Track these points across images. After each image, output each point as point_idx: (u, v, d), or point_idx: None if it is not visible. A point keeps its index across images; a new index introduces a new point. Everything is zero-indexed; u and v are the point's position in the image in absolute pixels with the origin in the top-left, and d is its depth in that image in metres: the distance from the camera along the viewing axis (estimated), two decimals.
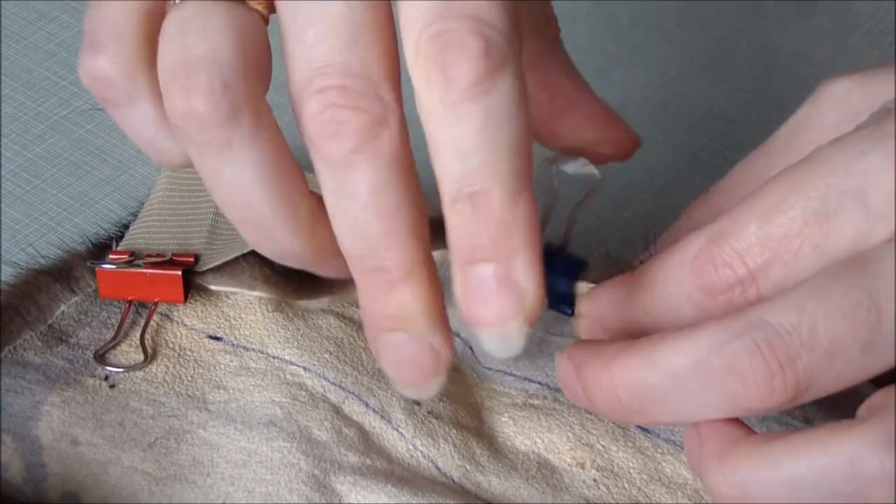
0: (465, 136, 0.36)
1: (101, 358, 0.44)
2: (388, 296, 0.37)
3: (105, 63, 0.39)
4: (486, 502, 0.41)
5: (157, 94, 0.39)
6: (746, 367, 0.36)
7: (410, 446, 0.42)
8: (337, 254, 0.39)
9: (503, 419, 0.43)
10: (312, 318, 0.45)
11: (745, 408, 0.37)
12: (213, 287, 0.45)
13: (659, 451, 0.42)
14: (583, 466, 0.42)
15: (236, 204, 0.39)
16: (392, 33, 0.37)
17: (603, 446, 0.42)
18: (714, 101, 0.59)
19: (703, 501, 0.41)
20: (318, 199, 0.38)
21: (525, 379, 0.44)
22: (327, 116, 0.37)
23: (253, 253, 0.44)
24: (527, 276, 0.37)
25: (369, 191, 0.37)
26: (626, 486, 0.42)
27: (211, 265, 0.45)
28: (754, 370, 0.36)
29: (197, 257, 0.45)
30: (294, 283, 0.45)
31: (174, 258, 0.45)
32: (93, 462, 0.41)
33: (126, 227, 0.48)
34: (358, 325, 0.45)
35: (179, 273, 0.45)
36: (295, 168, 0.38)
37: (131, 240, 0.46)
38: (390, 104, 0.37)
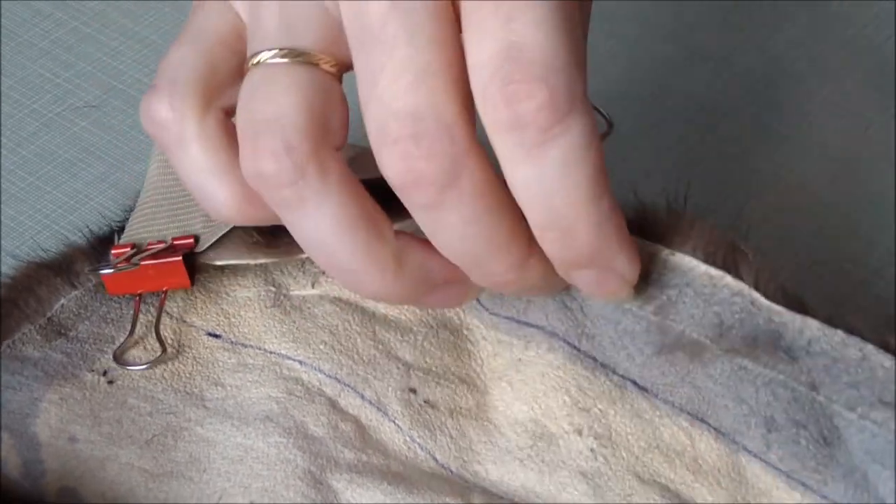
0: (544, 180, 0.38)
1: (119, 358, 0.44)
2: (513, 287, 0.41)
3: (157, 105, 0.41)
4: (484, 490, 0.41)
5: (209, 141, 0.41)
6: None
7: (407, 438, 0.42)
8: (432, 290, 0.41)
9: (502, 385, 0.43)
10: (309, 308, 0.45)
11: None
12: (217, 263, 0.45)
13: (657, 413, 0.42)
14: (580, 433, 0.42)
15: (320, 254, 0.40)
16: (463, 68, 0.38)
17: (600, 410, 0.42)
18: (709, 95, 0.59)
19: (702, 469, 0.42)
20: (406, 239, 0.40)
21: (528, 325, 0.44)
22: (404, 167, 0.38)
23: None
24: (627, 268, 0.41)
25: (463, 224, 0.39)
26: (623, 455, 0.42)
27: (208, 244, 0.45)
28: None
29: (196, 238, 0.46)
30: (286, 241, 0.46)
31: (174, 243, 0.46)
32: (90, 459, 0.42)
33: (126, 218, 0.48)
34: (353, 308, 0.45)
35: (180, 258, 0.45)
36: (376, 215, 0.40)
37: (132, 231, 0.47)
38: (465, 143, 0.38)
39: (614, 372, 0.43)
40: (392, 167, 0.38)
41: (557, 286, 0.42)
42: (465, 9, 0.38)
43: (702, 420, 0.42)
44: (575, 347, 0.43)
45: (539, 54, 0.37)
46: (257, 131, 0.39)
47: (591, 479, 0.42)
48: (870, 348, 0.41)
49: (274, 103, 0.39)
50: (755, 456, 0.41)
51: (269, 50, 0.40)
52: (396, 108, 0.38)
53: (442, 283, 0.41)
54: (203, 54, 0.41)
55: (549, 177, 0.38)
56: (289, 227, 0.40)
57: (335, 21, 0.40)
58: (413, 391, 0.43)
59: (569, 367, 0.43)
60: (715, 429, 0.42)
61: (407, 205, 0.39)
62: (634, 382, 0.43)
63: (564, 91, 0.37)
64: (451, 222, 0.39)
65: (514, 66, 0.37)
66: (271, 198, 0.39)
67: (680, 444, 0.42)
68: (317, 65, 0.40)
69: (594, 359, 0.43)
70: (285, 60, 0.40)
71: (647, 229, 0.42)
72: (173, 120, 0.41)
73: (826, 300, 0.44)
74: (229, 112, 0.41)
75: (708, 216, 0.43)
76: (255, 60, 0.40)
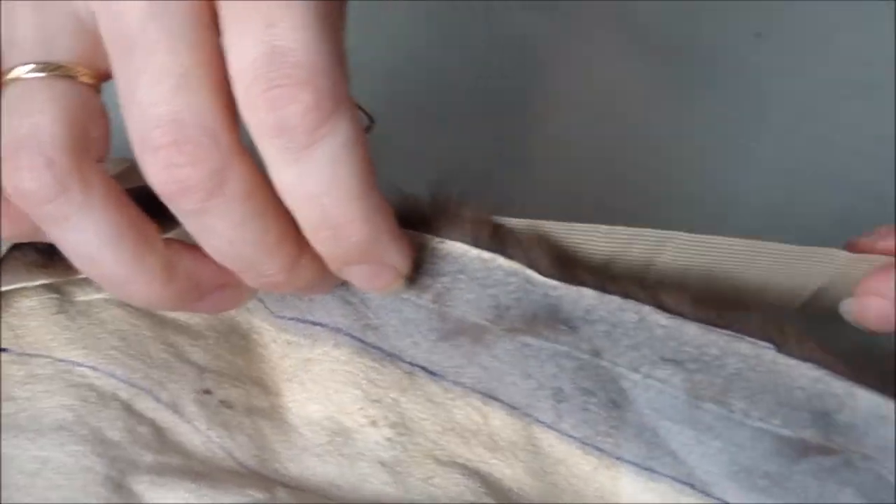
0: (312, 182, 0.38)
1: None
2: (285, 287, 0.41)
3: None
4: (285, 486, 0.42)
5: None
6: None
7: (205, 438, 0.42)
8: (203, 295, 0.41)
9: (293, 386, 0.44)
10: (96, 313, 0.45)
11: None
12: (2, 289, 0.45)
13: (449, 396, 0.43)
14: (375, 424, 0.43)
15: (88, 267, 0.39)
16: (223, 72, 0.38)
17: (392, 399, 0.43)
18: (468, 79, 0.61)
19: (498, 445, 0.43)
20: (176, 246, 0.40)
21: (313, 323, 0.45)
22: (169, 175, 0.37)
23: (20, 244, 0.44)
24: (399, 260, 0.42)
25: (231, 229, 0.39)
26: (420, 440, 0.43)
27: None
28: None
29: None
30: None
31: None
32: None
33: None
34: (142, 312, 0.45)
35: None
36: (142, 224, 0.39)
37: None
38: (229, 147, 0.38)
39: (402, 360, 0.44)
40: (156, 175, 0.38)
41: (331, 283, 0.43)
42: (225, 13, 0.38)
43: (493, 397, 0.43)
44: (361, 340, 0.44)
45: (302, 57, 0.37)
46: (16, 148, 0.38)
47: (391, 468, 0.42)
48: (646, 309, 0.42)
49: (31, 119, 0.38)
50: (548, 427, 0.42)
51: (25, 64, 0.39)
52: (157, 115, 0.37)
53: (214, 288, 0.42)
54: None
55: (317, 178, 0.38)
56: (55, 243, 0.39)
57: (91, 31, 0.39)
58: (208, 392, 0.43)
59: (357, 361, 0.44)
60: (507, 404, 0.43)
61: (174, 212, 0.39)
62: (423, 368, 0.44)
63: (329, 92, 0.37)
64: (219, 227, 0.39)
65: (277, 71, 0.37)
66: (35, 214, 0.39)
67: (474, 424, 0.43)
68: (74, 77, 0.39)
69: (381, 349, 0.44)
70: (42, 74, 0.39)
71: (414, 220, 0.43)
72: None
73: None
74: None
75: (473, 201, 0.44)
76: (11, 75, 0.39)
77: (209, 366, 0.44)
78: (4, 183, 0.39)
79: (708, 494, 0.42)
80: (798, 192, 0.57)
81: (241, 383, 0.44)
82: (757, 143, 0.60)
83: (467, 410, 0.43)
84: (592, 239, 0.45)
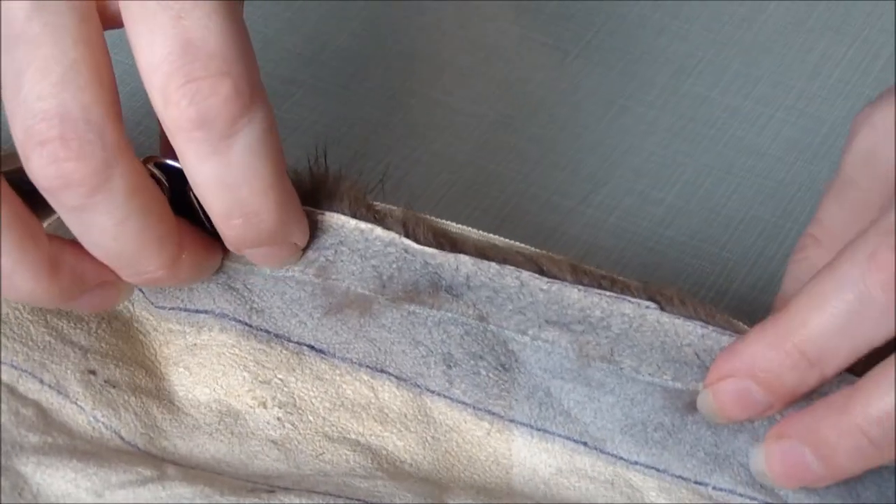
0: (231, 172, 0.39)
1: None
2: (164, 283, 0.42)
3: None
4: (175, 464, 0.42)
5: None
6: None
7: (91, 418, 0.42)
8: (84, 292, 0.41)
9: (179, 370, 0.44)
10: None
11: None
12: None
13: (337, 372, 0.44)
14: (265, 405, 0.43)
15: None
16: (109, 69, 0.38)
17: (281, 379, 0.44)
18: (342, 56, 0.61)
19: (389, 418, 0.43)
20: (59, 242, 0.40)
21: (197, 311, 0.45)
22: (54, 170, 0.37)
23: None
24: (301, 237, 0.43)
25: (114, 226, 0.39)
26: (311, 418, 0.43)
27: None
28: None
29: None
30: None
31: None
32: None
33: None
34: None
35: None
36: (27, 217, 0.39)
37: None
38: (115, 143, 0.38)
39: (289, 340, 0.44)
40: (41, 170, 0.38)
41: (210, 272, 0.44)
42: (129, 10, 0.38)
43: (382, 371, 0.44)
44: (246, 324, 0.44)
45: (216, 48, 0.37)
46: None
47: (282, 445, 0.43)
48: (526, 275, 0.43)
49: None
50: (439, 395, 0.43)
51: None
52: (43, 109, 0.37)
53: (95, 285, 0.41)
54: None
55: (236, 168, 0.39)
56: None
57: None
58: (93, 373, 0.43)
59: (243, 344, 0.44)
60: (396, 377, 0.43)
61: (56, 206, 0.39)
62: (311, 346, 0.44)
63: (246, 81, 0.38)
64: (102, 224, 0.39)
65: (193, 64, 0.37)
66: None
67: (364, 398, 0.43)
68: None
69: (267, 331, 0.44)
70: None
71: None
72: None
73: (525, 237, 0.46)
74: None
75: (351, 174, 0.45)
76: None
77: (92, 347, 0.44)
78: None
79: (602, 451, 0.43)
80: (678, 150, 0.58)
81: (125, 364, 0.44)
82: (636, 103, 0.61)
83: (356, 385, 0.44)
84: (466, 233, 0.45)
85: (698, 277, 0.54)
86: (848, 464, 0.39)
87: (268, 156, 0.39)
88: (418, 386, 0.43)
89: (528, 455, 0.43)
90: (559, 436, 0.43)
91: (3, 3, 0.38)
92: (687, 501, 0.41)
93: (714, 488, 0.41)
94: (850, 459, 0.39)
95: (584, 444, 0.43)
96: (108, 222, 0.39)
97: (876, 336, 0.38)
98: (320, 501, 0.40)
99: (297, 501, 0.40)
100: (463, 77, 0.61)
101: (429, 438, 0.43)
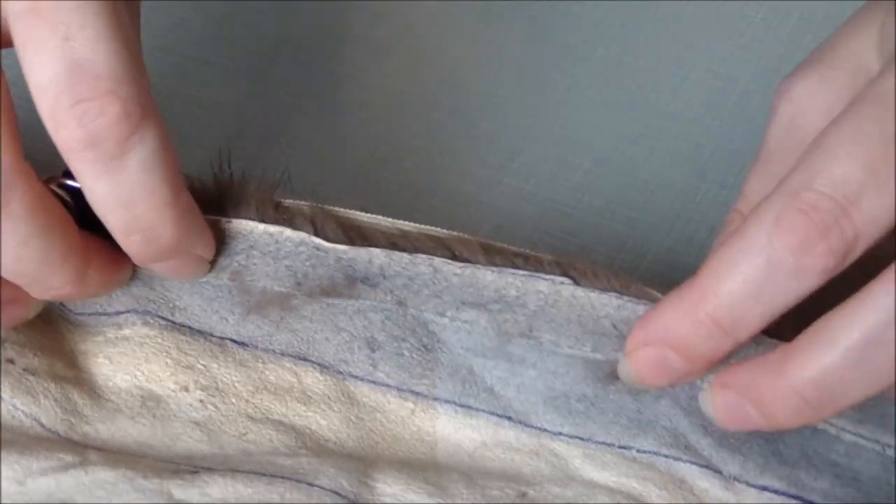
0: (124, 191, 0.39)
1: None
2: (73, 298, 0.42)
3: None
4: (97, 449, 0.42)
5: None
6: None
7: (10, 407, 0.42)
8: (9, 301, 0.41)
9: (99, 360, 0.44)
10: None
11: None
12: None
13: (260, 361, 0.44)
14: (187, 389, 0.44)
15: None
16: (5, 89, 0.38)
17: (203, 365, 0.44)
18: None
19: (312, 399, 0.44)
20: None
21: (117, 313, 0.45)
22: None
23: None
24: (205, 249, 0.43)
25: (16, 246, 0.39)
26: (233, 400, 0.44)
27: None
28: None
29: None
30: None
31: None
32: None
33: None
34: None
35: None
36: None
37: None
38: (12, 164, 0.38)
39: (212, 335, 0.45)
40: None
41: (122, 283, 0.44)
42: (18, 31, 0.38)
43: (304, 359, 0.44)
44: (169, 321, 0.45)
45: (104, 68, 0.38)
46: None
47: (205, 427, 0.43)
48: (438, 261, 0.44)
49: None
50: (362, 380, 0.44)
51: None
52: None
53: (5, 302, 0.41)
54: None
55: (130, 186, 0.39)
56: None
57: None
58: (10, 361, 0.43)
59: (166, 335, 0.45)
60: (319, 364, 0.44)
61: None
62: (233, 340, 0.45)
63: (135, 100, 0.38)
64: (4, 244, 0.39)
65: (81, 85, 0.37)
66: None
67: (287, 383, 0.44)
68: None
69: (190, 327, 0.45)
70: None
71: (202, 203, 0.44)
72: None
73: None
74: None
75: (255, 178, 0.45)
76: None
77: (10, 338, 0.44)
78: None
79: (526, 424, 0.43)
80: (594, 116, 0.59)
81: (44, 354, 0.44)
82: (550, 70, 0.61)
83: (279, 371, 0.44)
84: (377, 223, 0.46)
85: (617, 241, 0.54)
86: (786, 421, 0.40)
87: (161, 172, 0.39)
88: (341, 372, 0.44)
89: (452, 431, 0.43)
90: (483, 411, 0.43)
91: None
92: (612, 460, 0.42)
93: (638, 451, 0.42)
94: (788, 418, 0.40)
95: (509, 418, 0.43)
96: (10, 243, 0.39)
97: (788, 299, 0.39)
98: (244, 480, 0.40)
99: (221, 481, 0.40)
100: (378, 51, 0.62)
101: (352, 418, 0.43)
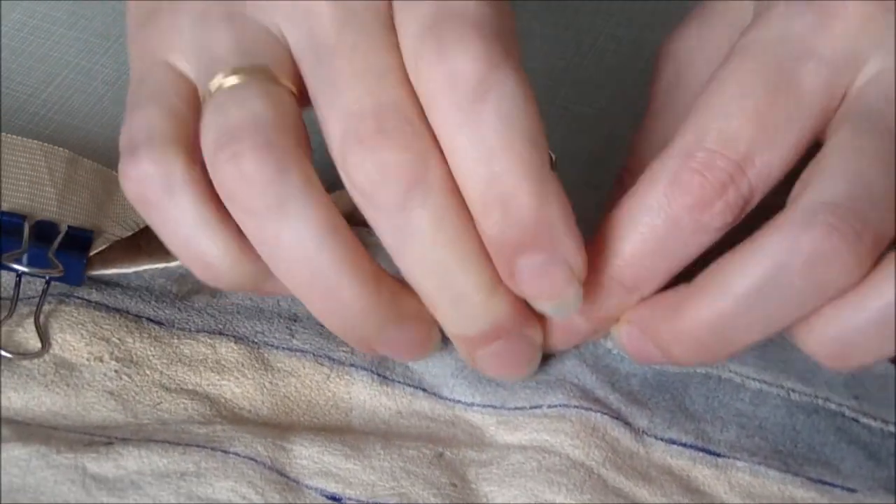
0: (482, 141, 0.39)
1: None
2: (479, 319, 0.41)
3: (138, 163, 0.40)
4: (9, 421, 0.43)
5: (196, 190, 0.40)
6: (829, 249, 0.39)
7: None
8: (400, 320, 0.41)
9: (13, 329, 0.46)
10: None
11: (834, 289, 0.39)
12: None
13: (175, 337, 0.46)
14: (101, 360, 0.45)
15: (299, 267, 0.40)
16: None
17: (119, 339, 0.46)
18: None
19: (225, 368, 0.46)
20: (380, 268, 0.41)
21: (29, 298, 0.47)
22: (373, 163, 0.39)
23: None
24: (574, 257, 0.40)
25: (432, 227, 0.39)
26: (147, 372, 0.45)
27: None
28: (837, 250, 0.39)
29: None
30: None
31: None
32: None
33: None
34: None
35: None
36: (348, 227, 0.40)
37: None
38: (427, 136, 0.39)
39: (129, 312, 0.47)
40: (359, 168, 0.39)
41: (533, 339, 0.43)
42: (396, 3, 0.40)
43: (220, 333, 0.46)
44: (85, 299, 0.47)
45: (470, 11, 0.39)
46: (232, 136, 0.39)
47: (119, 396, 0.45)
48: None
49: (246, 109, 0.39)
50: (277, 347, 0.46)
51: (230, 74, 0.40)
52: (360, 109, 0.39)
53: (411, 315, 0.42)
54: (169, 110, 0.41)
55: (488, 135, 0.39)
56: (263, 246, 0.40)
57: (284, 46, 0.41)
58: None
59: (82, 311, 0.46)
60: (234, 336, 0.46)
61: (371, 211, 0.40)
62: (149, 318, 0.47)
63: (497, 39, 0.39)
64: (419, 226, 0.39)
65: (444, 23, 0.39)
66: (249, 205, 0.39)
67: (201, 355, 0.46)
68: (278, 81, 0.40)
69: (106, 306, 0.47)
70: (247, 78, 0.40)
71: None
72: (159, 173, 0.40)
73: None
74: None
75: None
76: (214, 85, 0.40)
77: None
78: (219, 175, 0.39)
79: (439, 396, 0.45)
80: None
81: None
82: None
83: (194, 345, 0.46)
84: None
85: None
86: (684, 360, 0.42)
87: (523, 124, 0.39)
88: (256, 342, 0.46)
89: (367, 398, 0.45)
90: (398, 382, 0.45)
91: (311, 20, 0.40)
92: (524, 421, 0.44)
93: (548, 406, 0.44)
94: (685, 357, 0.42)
95: (423, 390, 0.45)
96: (425, 221, 0.39)
97: (688, 254, 0.41)
98: (159, 450, 0.42)
99: (136, 451, 0.42)
100: None
101: (266, 384, 0.45)
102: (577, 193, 0.55)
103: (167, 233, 0.42)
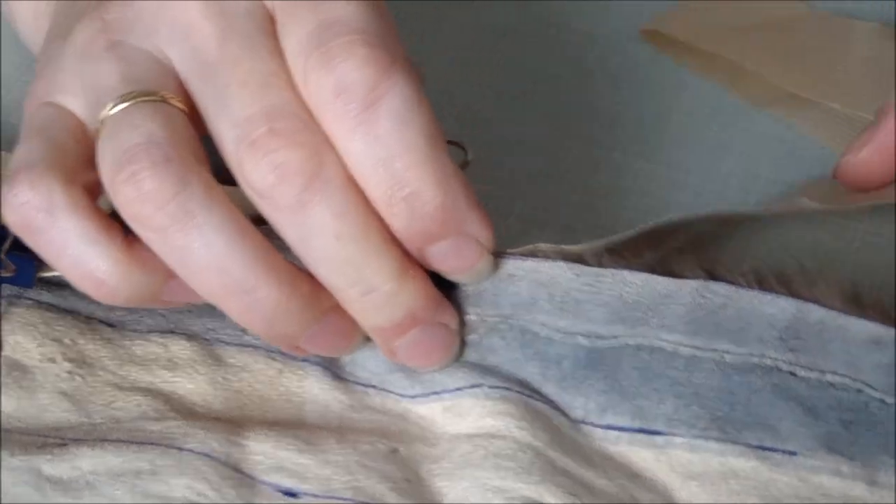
0: (381, 144, 0.39)
1: None
2: (391, 308, 0.41)
3: (20, 191, 0.41)
4: None
5: (78, 209, 0.40)
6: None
7: None
8: (331, 309, 0.42)
9: None
10: None
11: None
12: None
13: (127, 338, 0.46)
14: (54, 360, 0.45)
15: (213, 275, 0.40)
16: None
17: (71, 340, 0.46)
18: None
19: (178, 365, 0.46)
20: (293, 265, 0.41)
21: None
22: (268, 164, 0.39)
23: None
24: (481, 231, 0.42)
25: (333, 218, 0.40)
26: (100, 373, 0.45)
27: None
28: None
29: None
30: None
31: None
32: None
33: None
34: None
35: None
36: (256, 229, 0.41)
37: None
38: (320, 132, 0.40)
39: (79, 313, 0.47)
40: (255, 171, 0.39)
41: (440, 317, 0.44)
42: (278, 9, 0.41)
43: (172, 332, 0.46)
44: (36, 301, 0.47)
45: (352, 19, 0.40)
46: (130, 157, 0.40)
47: (72, 397, 0.45)
48: None
49: (140, 129, 0.40)
50: (229, 343, 0.46)
51: (116, 100, 0.41)
52: (250, 115, 0.40)
53: (329, 307, 0.43)
54: (51, 140, 0.42)
55: (385, 138, 0.40)
56: (174, 260, 0.41)
57: (169, 68, 0.42)
58: None
59: (34, 312, 0.47)
60: (185, 334, 0.46)
61: (272, 212, 0.40)
62: (100, 320, 0.47)
63: (382, 47, 0.40)
64: (321, 221, 0.40)
65: (328, 32, 0.40)
66: (155, 223, 0.40)
67: (153, 354, 0.46)
68: (167, 101, 0.41)
69: (57, 307, 0.47)
70: (136, 102, 0.41)
71: None
72: (38, 198, 0.41)
73: None
74: (90, 189, 0.41)
75: None
76: (105, 113, 0.41)
77: None
78: (119, 197, 0.40)
79: (389, 391, 0.45)
80: (453, 75, 0.60)
81: None
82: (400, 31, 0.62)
83: (145, 345, 0.46)
84: None
85: (484, 200, 0.55)
86: None
87: (419, 124, 0.40)
88: (208, 339, 0.46)
89: (320, 392, 0.46)
90: (349, 381, 0.46)
91: (192, 44, 0.41)
92: (469, 406, 0.44)
93: (489, 387, 0.45)
94: None
95: (374, 386, 0.45)
96: (327, 216, 0.40)
97: None
98: (113, 450, 0.42)
99: (90, 452, 0.42)
100: None
101: (219, 379, 0.45)
102: (532, 183, 0.56)
103: (55, 256, 0.42)
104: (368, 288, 0.42)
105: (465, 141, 0.48)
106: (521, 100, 0.59)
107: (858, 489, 0.42)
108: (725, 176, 0.56)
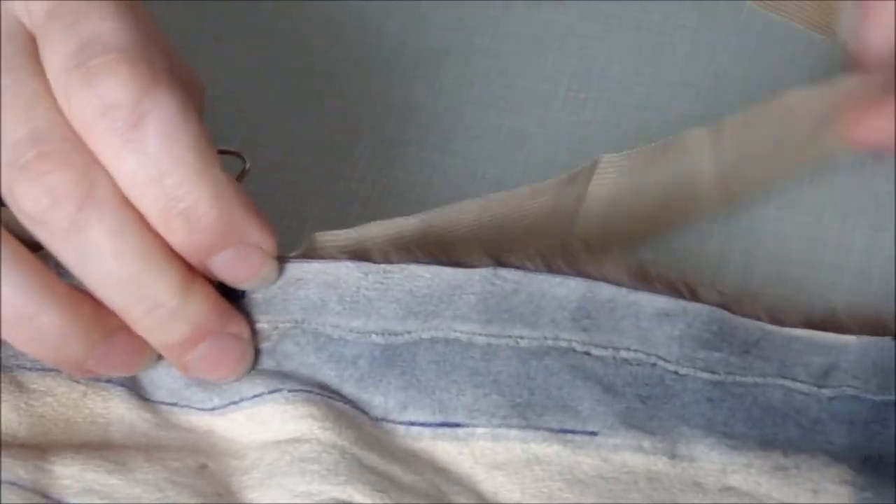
0: (149, 163, 0.39)
1: None
2: (178, 323, 0.41)
3: None
4: None
5: None
6: None
7: None
8: (108, 334, 0.42)
9: None
10: None
11: None
12: None
13: None
14: None
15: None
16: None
17: None
18: None
19: (2, 398, 0.45)
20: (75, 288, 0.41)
21: None
22: (39, 188, 0.38)
23: None
24: (262, 238, 0.42)
25: (111, 238, 0.39)
26: None
27: None
28: None
29: None
30: None
31: None
32: None
33: None
34: None
35: None
36: (32, 255, 0.40)
37: None
38: (89, 153, 0.39)
39: None
40: (27, 196, 0.39)
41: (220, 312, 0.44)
42: (37, 30, 0.40)
43: None
44: None
45: (112, 36, 0.39)
46: None
47: None
48: None
49: None
50: (30, 369, 0.46)
51: None
52: (17, 139, 0.39)
53: (117, 327, 0.42)
54: None
55: (155, 156, 0.39)
56: None
57: None
58: None
59: None
60: None
61: (48, 237, 0.40)
62: None
63: (145, 63, 0.39)
64: (99, 241, 0.39)
65: (89, 52, 0.39)
66: None
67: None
68: None
69: None
70: None
71: None
72: None
73: None
74: None
75: None
76: None
77: None
78: None
79: (189, 407, 0.46)
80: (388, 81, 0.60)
81: None
82: (360, 31, 0.62)
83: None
84: None
85: (280, 204, 0.56)
86: None
87: (187, 140, 0.40)
88: (8, 366, 0.46)
89: (125, 412, 0.45)
90: (154, 401, 0.46)
91: None
92: (270, 413, 0.44)
93: (289, 391, 0.44)
94: None
95: (175, 404, 0.46)
96: (103, 236, 0.39)
97: None
98: None
99: None
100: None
101: (22, 405, 0.45)
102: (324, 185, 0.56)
103: None
104: (153, 305, 0.41)
105: (257, 147, 0.48)
106: (311, 101, 0.59)
107: (661, 463, 0.43)
108: (524, 164, 0.57)
